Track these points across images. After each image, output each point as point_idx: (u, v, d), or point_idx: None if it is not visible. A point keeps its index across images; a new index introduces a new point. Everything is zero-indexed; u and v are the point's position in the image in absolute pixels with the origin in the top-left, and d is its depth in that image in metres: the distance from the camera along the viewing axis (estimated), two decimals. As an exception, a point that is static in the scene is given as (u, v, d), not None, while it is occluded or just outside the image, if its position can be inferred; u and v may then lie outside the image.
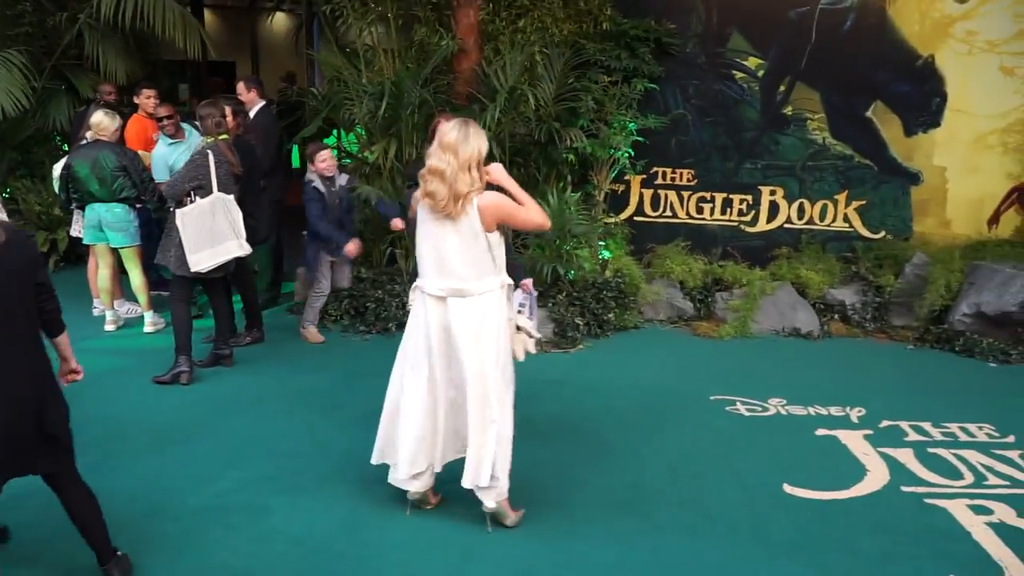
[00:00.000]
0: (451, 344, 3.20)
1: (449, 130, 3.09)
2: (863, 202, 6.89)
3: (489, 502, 3.28)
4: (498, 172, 3.20)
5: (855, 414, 4.70)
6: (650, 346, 5.95)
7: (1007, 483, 3.85)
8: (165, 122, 5.85)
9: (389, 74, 6.10)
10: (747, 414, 4.69)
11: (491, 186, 3.20)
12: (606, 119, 6.44)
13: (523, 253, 6.14)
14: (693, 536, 3.33)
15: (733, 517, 3.50)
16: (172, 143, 5.87)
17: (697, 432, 4.40)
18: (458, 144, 3.05)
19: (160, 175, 5.75)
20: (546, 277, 5.76)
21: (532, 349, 3.62)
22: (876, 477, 3.89)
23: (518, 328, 3.37)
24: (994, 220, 6.85)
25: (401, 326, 6.01)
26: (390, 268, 6.44)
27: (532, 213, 3.17)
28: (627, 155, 6.60)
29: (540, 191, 6.25)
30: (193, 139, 5.86)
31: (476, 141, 3.07)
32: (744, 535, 3.35)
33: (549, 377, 5.15)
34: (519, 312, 3.61)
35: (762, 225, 7.04)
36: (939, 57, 6.64)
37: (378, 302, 6.10)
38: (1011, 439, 4.37)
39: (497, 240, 3.16)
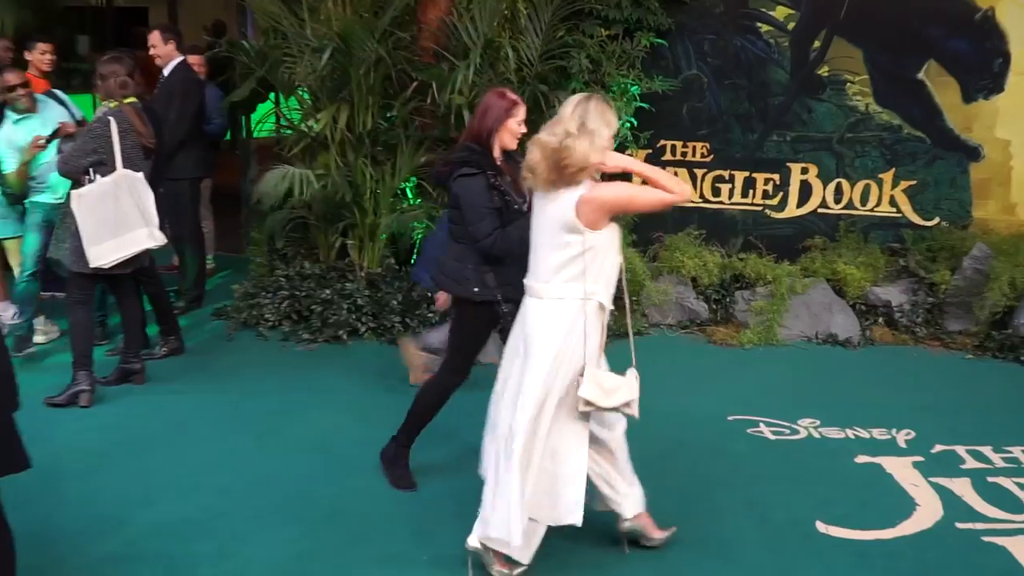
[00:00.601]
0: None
1: (565, 104, 3.20)
2: (913, 182, 6.99)
3: (473, 537, 3.31)
4: (615, 159, 3.24)
5: (903, 437, 4.78)
6: (656, 356, 5.98)
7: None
8: (19, 91, 5.48)
9: (339, 26, 6.12)
10: (773, 437, 4.76)
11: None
12: (603, 81, 6.48)
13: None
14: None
15: (756, 560, 3.56)
16: (19, 119, 5.55)
17: (713, 458, 4.46)
18: (591, 121, 3.11)
19: (8, 162, 5.53)
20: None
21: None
22: (927, 512, 3.97)
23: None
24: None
25: (355, 332, 6.06)
26: (341, 263, 6.47)
27: (655, 192, 3.21)
28: (629, 125, 6.66)
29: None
30: (51, 112, 5.65)
31: (610, 117, 3.18)
32: (769, 583, 3.42)
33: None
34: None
35: (791, 210, 7.12)
36: (1000, 10, 6.75)
37: (325, 304, 6.12)
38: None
39: (600, 243, 3.16)
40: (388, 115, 6.43)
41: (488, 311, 3.74)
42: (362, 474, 4.20)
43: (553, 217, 3.17)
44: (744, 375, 5.73)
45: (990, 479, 4.31)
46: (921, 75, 6.90)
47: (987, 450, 4.63)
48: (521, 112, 3.71)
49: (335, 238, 6.51)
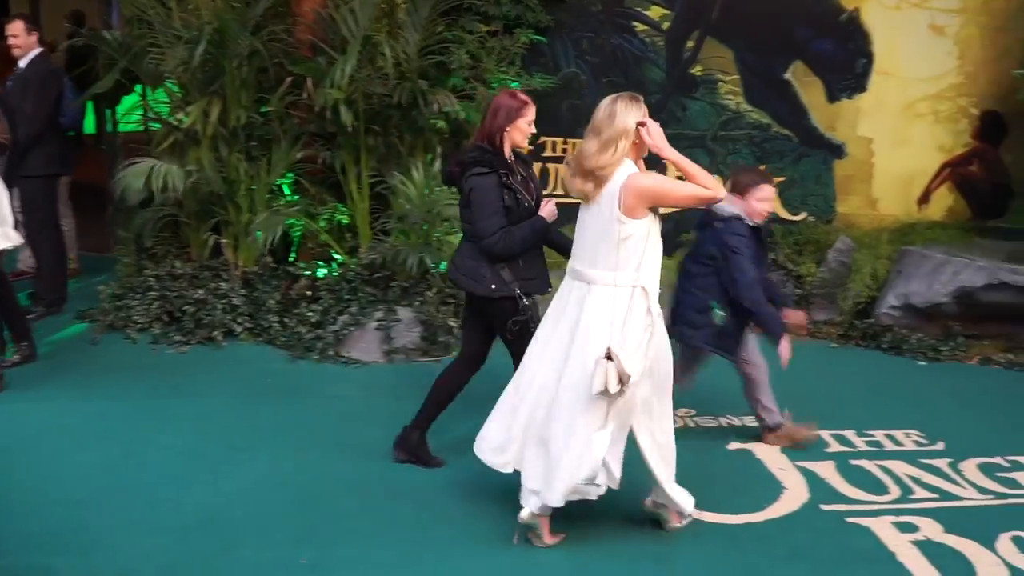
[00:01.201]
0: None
1: (598, 108, 3.48)
2: (782, 179, 7.29)
3: (524, 511, 3.54)
4: (657, 136, 3.49)
5: (772, 425, 4.99)
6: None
7: (935, 496, 4.20)
8: None
9: (209, 16, 5.98)
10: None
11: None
12: (483, 78, 6.52)
13: (384, 241, 6.16)
14: (584, 573, 3.47)
15: (634, 549, 3.66)
16: None
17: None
18: (602, 125, 3.43)
19: None
20: (411, 270, 5.80)
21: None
22: (794, 495, 4.17)
23: (608, 357, 3.29)
24: (924, 199, 7.42)
25: (231, 333, 5.94)
26: (215, 262, 6.32)
27: (692, 187, 3.49)
28: (509, 121, 6.71)
29: (403, 165, 6.28)
30: None
31: (623, 118, 3.42)
32: (646, 569, 3.52)
33: (414, 392, 5.18)
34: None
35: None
36: (865, 12, 7.12)
37: (198, 304, 5.98)
38: (940, 446, 4.78)
39: (639, 231, 3.38)
40: (263, 109, 6.31)
41: (512, 305, 3.86)
42: (234, 479, 4.13)
43: (597, 208, 3.43)
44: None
45: (853, 462, 4.54)
46: (788, 75, 7.22)
47: (850, 434, 4.89)
48: (531, 112, 3.86)
49: (208, 236, 6.36)
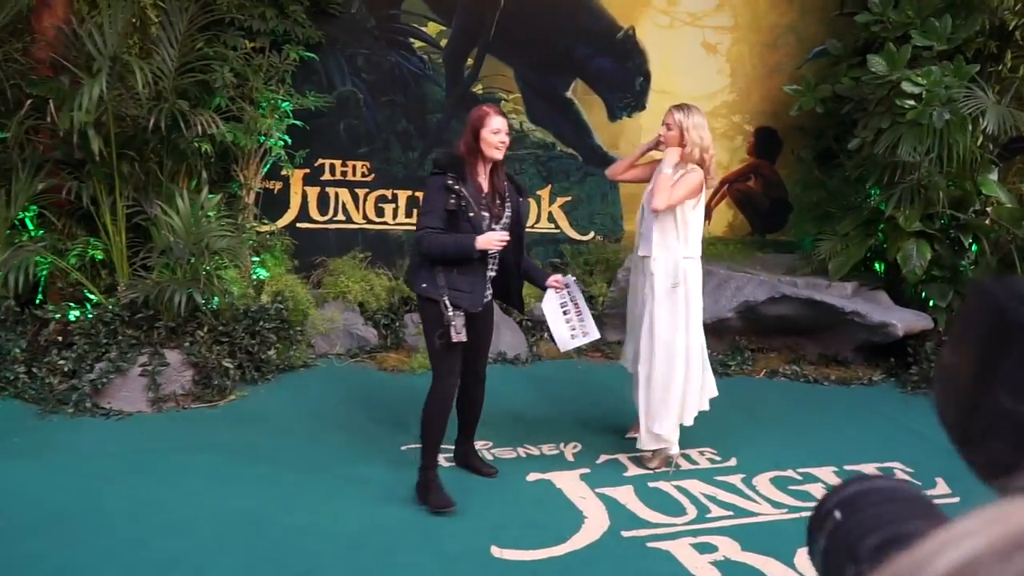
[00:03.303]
0: None
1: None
2: (568, 198, 7.54)
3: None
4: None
5: (570, 451, 5.11)
6: (325, 388, 5.97)
7: (730, 513, 4.42)
8: None
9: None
10: (447, 464, 4.88)
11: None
12: (251, 97, 6.39)
13: (146, 277, 5.86)
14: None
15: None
16: None
17: (385, 493, 4.49)
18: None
19: None
20: (179, 308, 5.55)
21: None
22: (595, 524, 4.26)
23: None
24: (706, 216, 7.83)
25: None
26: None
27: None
28: (282, 144, 6.59)
29: (166, 193, 6.02)
30: None
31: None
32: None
33: (188, 443, 4.97)
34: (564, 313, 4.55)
35: (456, 229, 7.39)
36: (640, 30, 7.49)
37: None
38: (733, 462, 5.04)
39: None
40: (0, 136, 5.88)
41: (436, 311, 4.09)
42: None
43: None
44: (417, 402, 5.77)
45: (651, 484, 4.71)
46: (569, 93, 7.46)
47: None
48: (494, 122, 4.09)
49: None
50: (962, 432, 0.71)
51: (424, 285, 4.15)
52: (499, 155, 4.15)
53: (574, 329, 4.53)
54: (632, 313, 5.11)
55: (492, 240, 4.05)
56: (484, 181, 4.19)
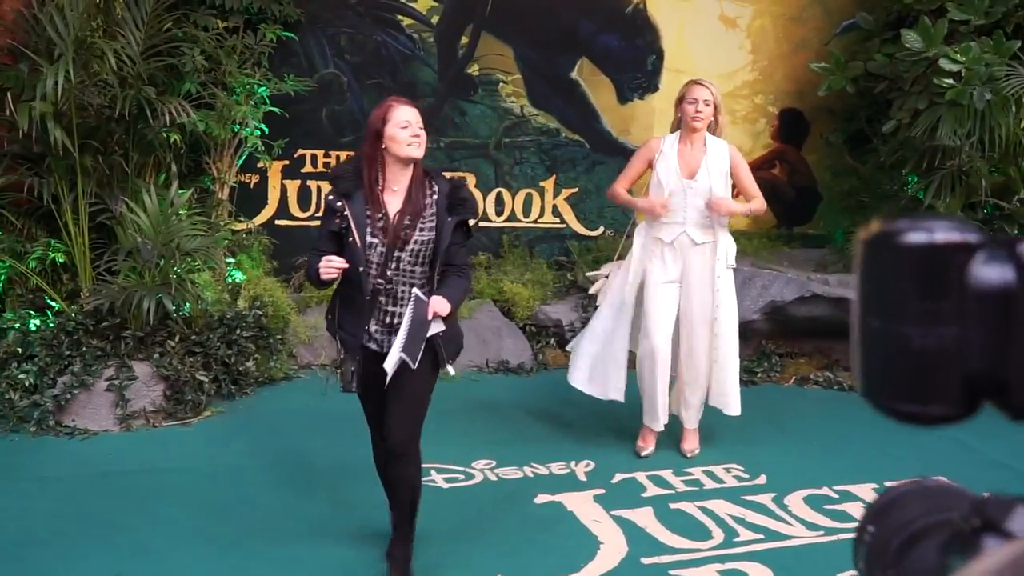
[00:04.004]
0: None
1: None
2: (575, 190, 7.54)
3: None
4: None
5: (582, 469, 5.11)
6: (308, 403, 5.95)
7: (760, 536, 4.42)
8: None
9: None
10: (447, 486, 4.89)
11: None
12: (224, 82, 6.38)
13: (111, 282, 5.85)
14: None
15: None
16: None
17: (378, 519, 4.44)
18: None
19: None
20: (148, 316, 5.54)
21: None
22: (611, 550, 4.26)
23: None
24: (727, 207, 7.85)
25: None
26: None
27: None
28: (259, 133, 6.58)
29: (131, 189, 6.02)
30: None
31: None
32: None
33: (159, 464, 4.96)
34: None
35: (451, 225, 7.39)
36: (652, 3, 7.48)
37: None
38: (762, 480, 5.05)
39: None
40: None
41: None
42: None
43: None
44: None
45: (673, 505, 4.72)
46: (574, 74, 7.46)
47: (667, 474, 5.08)
48: (399, 113, 3.61)
49: None
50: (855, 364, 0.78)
51: (328, 316, 3.91)
52: (418, 153, 3.63)
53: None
54: (665, 305, 5.21)
55: (327, 268, 3.53)
56: (392, 195, 3.67)
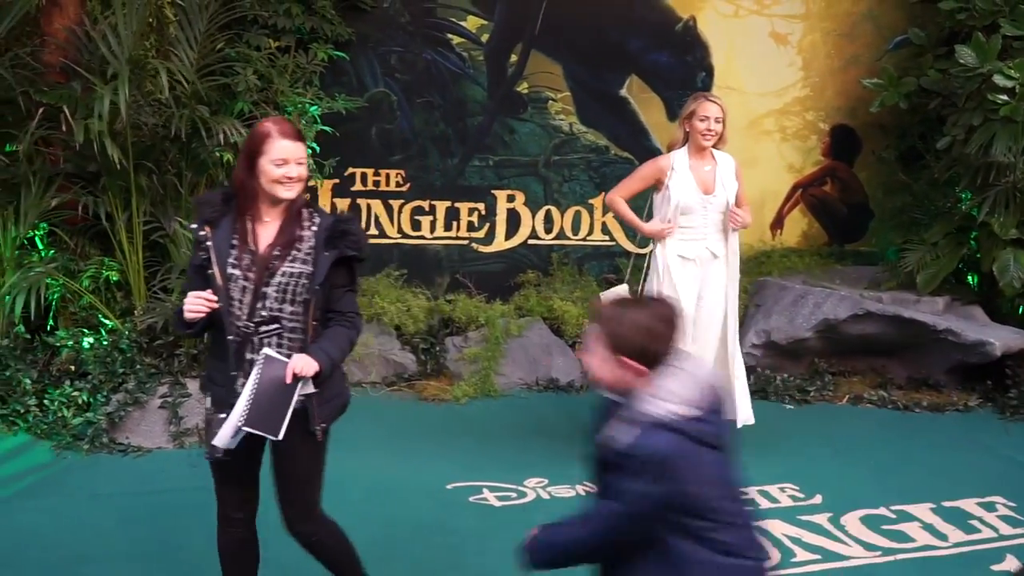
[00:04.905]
0: None
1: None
2: (624, 207, 7.48)
3: None
4: None
5: (635, 489, 5.06)
6: (359, 421, 5.91)
7: (818, 557, 4.36)
8: None
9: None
10: (498, 504, 4.86)
11: None
12: (276, 101, 6.41)
13: (165, 300, 5.89)
14: None
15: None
16: None
17: (432, 538, 4.47)
18: None
19: None
20: (201, 334, 5.57)
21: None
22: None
23: None
24: (778, 224, 7.79)
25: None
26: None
27: None
28: (310, 151, 6.61)
29: (185, 208, 6.06)
30: None
31: None
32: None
33: (194, 483, 4.97)
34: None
35: (500, 243, 7.40)
36: (702, 20, 7.45)
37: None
38: (818, 499, 4.97)
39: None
40: (8, 148, 5.95)
41: None
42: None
43: None
44: (462, 434, 5.82)
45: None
46: (623, 91, 7.44)
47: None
48: (277, 148, 3.12)
49: None
50: None
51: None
52: (289, 195, 3.16)
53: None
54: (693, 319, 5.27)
55: (191, 305, 3.10)
56: (263, 226, 3.20)
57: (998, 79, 6.33)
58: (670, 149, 5.32)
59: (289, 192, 3.15)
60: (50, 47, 6.15)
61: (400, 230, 7.25)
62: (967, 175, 6.74)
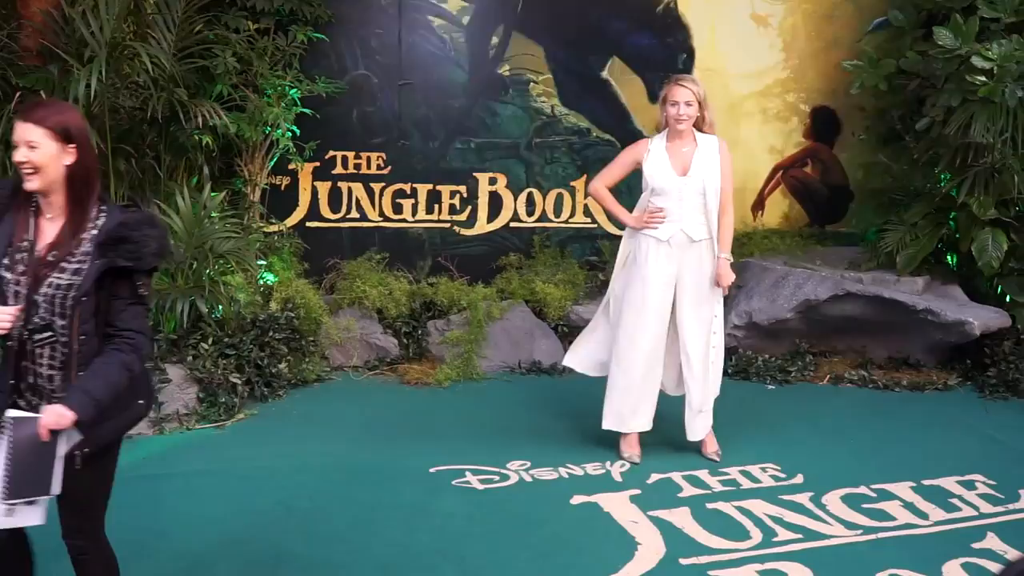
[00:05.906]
0: None
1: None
2: (606, 189, 7.46)
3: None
4: None
5: (618, 470, 5.06)
6: (342, 405, 5.94)
7: (799, 536, 4.35)
8: None
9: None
10: (481, 487, 4.84)
11: None
12: (256, 84, 6.37)
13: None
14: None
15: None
16: None
17: (415, 521, 4.45)
18: None
19: None
20: (181, 319, 5.54)
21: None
22: (649, 551, 4.20)
23: None
24: (759, 206, 7.78)
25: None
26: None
27: None
28: (290, 135, 6.57)
29: (164, 192, 6.02)
30: None
31: None
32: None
33: (193, 467, 4.95)
34: None
35: (482, 225, 7.37)
36: (683, 2, 7.42)
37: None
38: (799, 479, 4.97)
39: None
40: (-17, 132, 5.89)
41: None
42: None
43: None
44: (444, 418, 5.80)
45: (709, 505, 4.65)
46: (605, 73, 7.40)
47: (703, 473, 5.02)
48: (16, 131, 2.77)
49: None
50: None
51: None
52: (29, 185, 2.77)
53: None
54: (660, 305, 5.11)
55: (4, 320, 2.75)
56: (49, 223, 2.83)
57: (976, 60, 6.33)
58: (657, 131, 5.26)
59: (29, 183, 2.76)
60: (27, 30, 6.07)
61: (381, 213, 7.20)
62: (946, 156, 6.73)
